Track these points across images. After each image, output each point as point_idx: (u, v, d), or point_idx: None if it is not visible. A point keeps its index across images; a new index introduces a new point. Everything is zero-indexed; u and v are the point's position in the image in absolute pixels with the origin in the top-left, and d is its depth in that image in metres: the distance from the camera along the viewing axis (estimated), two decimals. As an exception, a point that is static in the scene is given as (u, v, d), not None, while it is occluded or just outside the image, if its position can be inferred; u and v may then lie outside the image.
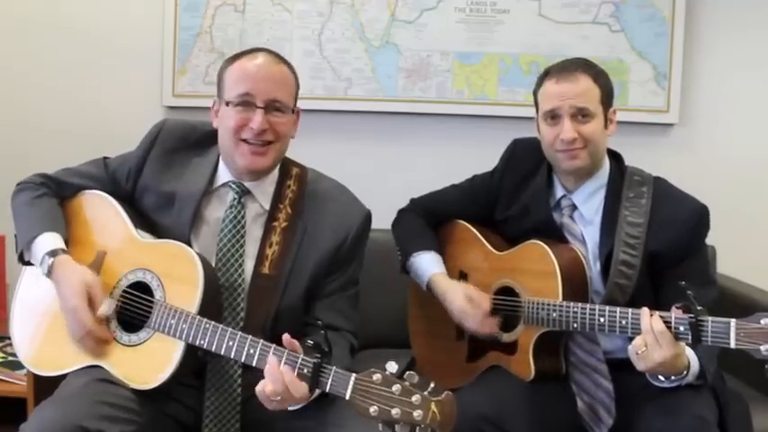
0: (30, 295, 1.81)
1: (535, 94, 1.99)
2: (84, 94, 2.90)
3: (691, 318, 1.60)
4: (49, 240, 1.71)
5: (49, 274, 1.69)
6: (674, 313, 1.63)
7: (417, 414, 1.34)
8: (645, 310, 1.67)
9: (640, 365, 1.67)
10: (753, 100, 2.88)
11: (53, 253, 1.69)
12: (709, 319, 1.59)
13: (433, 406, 1.34)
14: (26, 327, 1.80)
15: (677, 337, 1.62)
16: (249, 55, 1.74)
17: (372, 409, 1.37)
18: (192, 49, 2.87)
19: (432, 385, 1.36)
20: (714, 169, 2.85)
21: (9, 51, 2.90)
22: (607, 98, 1.93)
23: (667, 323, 1.63)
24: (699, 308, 1.60)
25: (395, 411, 1.35)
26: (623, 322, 1.72)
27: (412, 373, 1.37)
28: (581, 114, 1.88)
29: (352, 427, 1.52)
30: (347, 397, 1.41)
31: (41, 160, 1.88)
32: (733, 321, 1.55)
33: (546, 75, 1.95)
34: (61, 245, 1.72)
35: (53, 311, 1.73)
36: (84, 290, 1.64)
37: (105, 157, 1.90)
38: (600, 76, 1.93)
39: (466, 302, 1.96)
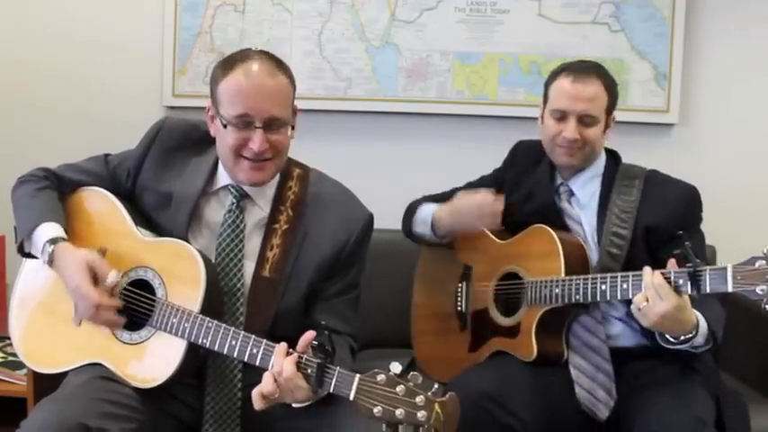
0: (29, 291, 1.80)
1: (547, 86, 2.05)
2: (84, 95, 2.90)
3: (689, 268, 1.64)
4: (50, 230, 1.70)
5: (51, 262, 1.68)
6: (672, 267, 1.68)
7: (421, 415, 1.34)
8: (647, 269, 1.71)
9: (645, 321, 1.70)
10: (753, 100, 2.88)
11: (53, 241, 1.68)
12: (707, 268, 1.63)
13: (436, 407, 1.34)
14: (25, 323, 1.79)
15: (678, 290, 1.66)
16: (243, 65, 1.65)
17: (376, 410, 1.37)
18: (192, 49, 2.87)
19: (435, 386, 1.37)
20: (714, 169, 2.84)
21: (9, 51, 2.90)
22: (612, 106, 2.03)
23: (667, 277, 1.67)
24: (697, 260, 1.64)
25: (399, 412, 1.36)
26: (624, 285, 1.76)
27: (416, 373, 1.38)
28: (587, 119, 1.98)
29: (352, 427, 1.51)
30: (351, 397, 1.41)
31: (41, 160, 1.88)
32: (730, 266, 1.60)
33: (562, 71, 2.02)
34: (62, 234, 1.70)
35: (52, 307, 1.73)
36: (84, 267, 1.63)
37: (107, 154, 1.89)
38: (611, 86, 2.03)
39: None
